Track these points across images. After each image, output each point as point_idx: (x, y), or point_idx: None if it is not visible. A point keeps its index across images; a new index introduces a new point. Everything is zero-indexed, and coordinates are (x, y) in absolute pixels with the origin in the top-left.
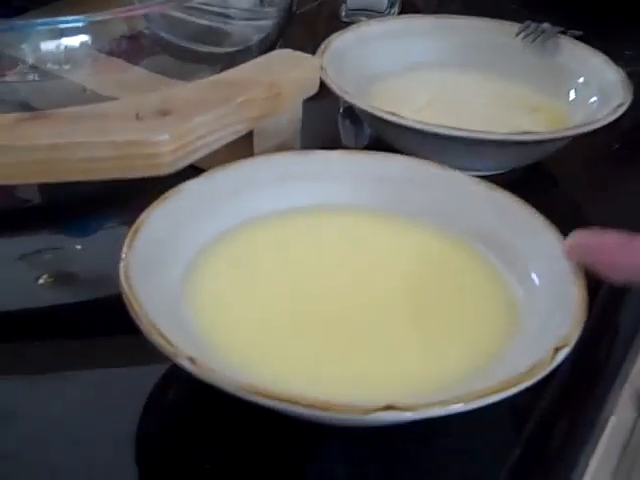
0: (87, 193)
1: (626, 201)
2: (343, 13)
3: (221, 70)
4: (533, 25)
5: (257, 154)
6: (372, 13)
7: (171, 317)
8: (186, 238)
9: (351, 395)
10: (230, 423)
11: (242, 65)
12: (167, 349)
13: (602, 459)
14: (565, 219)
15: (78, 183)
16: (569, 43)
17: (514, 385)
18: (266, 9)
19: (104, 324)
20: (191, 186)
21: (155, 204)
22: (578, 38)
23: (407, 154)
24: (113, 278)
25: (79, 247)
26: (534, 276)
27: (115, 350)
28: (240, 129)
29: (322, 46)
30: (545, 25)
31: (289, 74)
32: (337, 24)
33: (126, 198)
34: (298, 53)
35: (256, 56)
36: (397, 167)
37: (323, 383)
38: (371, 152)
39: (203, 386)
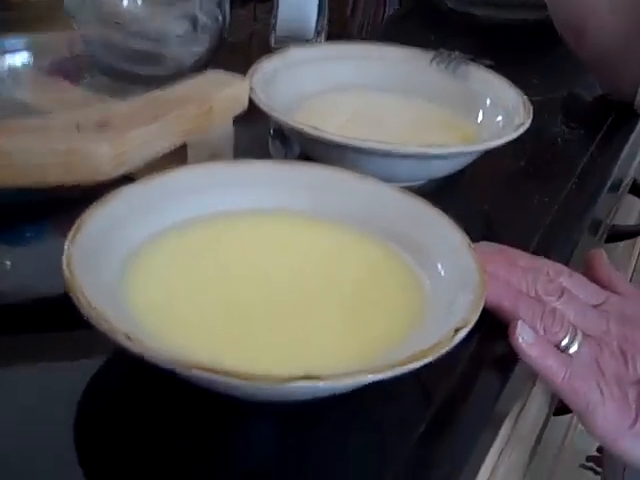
0: (24, 204)
1: (528, 211)
2: (272, 40)
3: None
4: (445, 53)
5: None
6: (300, 41)
7: (109, 302)
8: (124, 235)
9: (275, 370)
10: (162, 403)
11: (177, 84)
12: (105, 326)
13: (510, 442)
14: (473, 224)
15: (14, 195)
16: (477, 69)
17: (417, 360)
18: (199, 35)
19: (46, 321)
20: (129, 190)
21: (96, 205)
22: (489, 67)
23: None
24: (49, 283)
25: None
26: (441, 269)
27: (55, 345)
28: (174, 141)
29: (251, 69)
30: (456, 53)
31: (220, 93)
32: (268, 51)
33: (64, 209)
34: (229, 74)
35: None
36: (320, 176)
37: (250, 360)
38: (296, 162)
39: (138, 372)
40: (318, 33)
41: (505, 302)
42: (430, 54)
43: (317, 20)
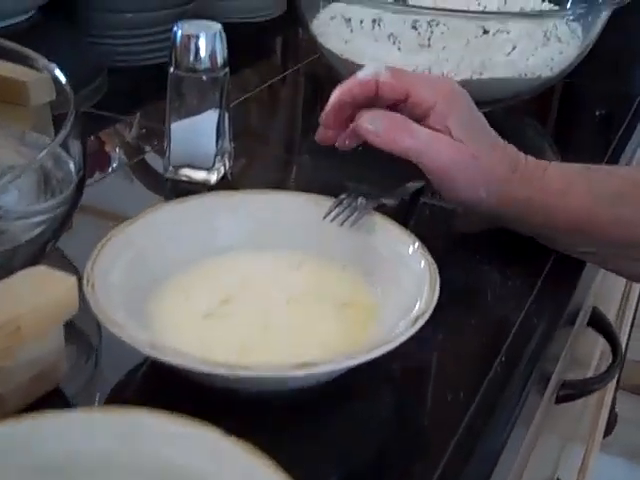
0: None
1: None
2: (167, 171)
3: None
4: (346, 201)
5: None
6: (199, 169)
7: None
8: None
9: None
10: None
11: None
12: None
13: None
14: None
15: None
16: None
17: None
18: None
19: None
20: None
21: None
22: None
23: None
24: None
25: None
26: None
27: None
28: None
29: (94, 251)
30: (359, 201)
31: (32, 302)
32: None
33: None
34: (50, 271)
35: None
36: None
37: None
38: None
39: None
40: (221, 156)
41: None
42: (328, 203)
43: (217, 142)
